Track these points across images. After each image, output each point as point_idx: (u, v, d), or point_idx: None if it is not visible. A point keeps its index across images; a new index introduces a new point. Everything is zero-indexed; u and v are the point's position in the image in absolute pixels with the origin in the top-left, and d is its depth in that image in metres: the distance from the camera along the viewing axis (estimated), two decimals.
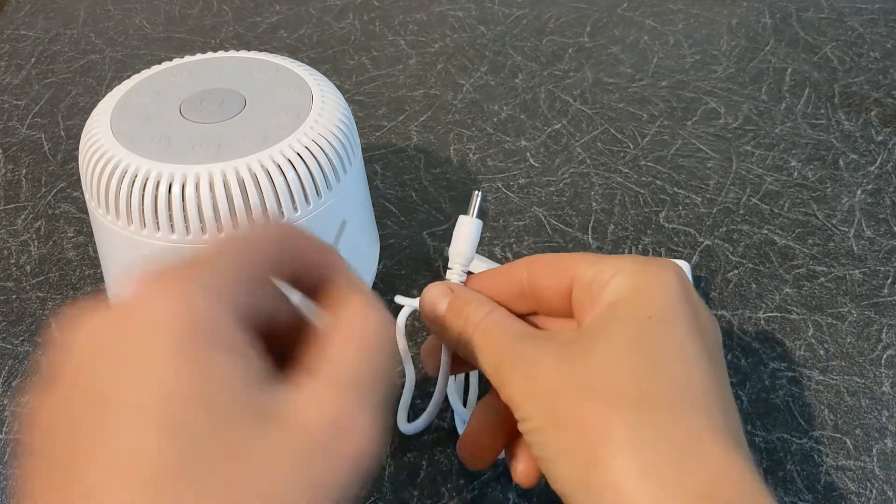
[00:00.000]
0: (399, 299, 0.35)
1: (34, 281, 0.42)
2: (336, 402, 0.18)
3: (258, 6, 0.67)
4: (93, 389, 0.18)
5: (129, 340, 0.18)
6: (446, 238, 0.44)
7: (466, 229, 0.30)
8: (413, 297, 0.40)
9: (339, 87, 0.56)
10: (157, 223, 0.28)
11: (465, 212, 0.31)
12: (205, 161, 0.28)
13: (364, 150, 0.51)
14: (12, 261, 0.43)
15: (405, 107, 0.55)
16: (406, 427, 0.31)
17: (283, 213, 0.29)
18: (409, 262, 0.43)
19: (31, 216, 0.46)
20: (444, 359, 0.29)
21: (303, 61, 0.60)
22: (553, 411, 0.22)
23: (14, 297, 0.41)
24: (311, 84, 0.33)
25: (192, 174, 0.28)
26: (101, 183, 0.29)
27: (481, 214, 0.31)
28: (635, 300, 0.23)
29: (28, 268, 0.43)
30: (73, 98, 0.56)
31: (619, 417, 0.21)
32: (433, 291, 0.28)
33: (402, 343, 0.34)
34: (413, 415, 0.34)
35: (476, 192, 0.31)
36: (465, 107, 0.54)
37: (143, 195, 0.28)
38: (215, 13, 0.66)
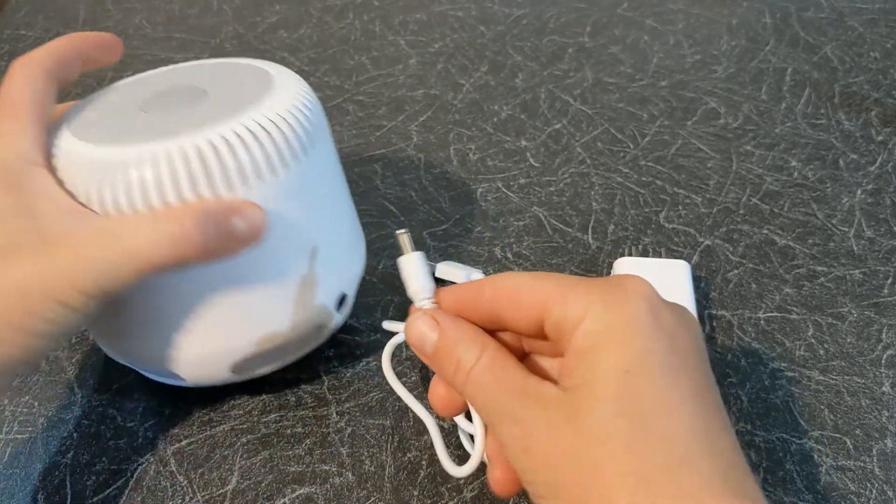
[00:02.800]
0: (388, 325, 0.33)
1: None
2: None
3: (258, 6, 0.67)
4: None
5: None
6: (446, 238, 0.44)
7: (413, 266, 0.29)
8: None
9: (338, 87, 0.57)
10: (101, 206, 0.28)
11: (401, 254, 0.30)
12: (144, 143, 0.28)
13: (364, 149, 0.51)
14: None
15: (405, 107, 0.54)
16: (458, 471, 0.30)
17: (222, 192, 0.28)
18: None
19: None
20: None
21: (303, 61, 0.60)
22: (552, 485, 0.23)
23: None
24: (276, 77, 0.33)
25: (129, 154, 0.28)
26: (96, 187, 0.28)
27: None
28: (610, 350, 0.23)
29: None
30: (73, 98, 0.56)
31: (616, 493, 0.21)
32: (420, 326, 0.27)
33: (394, 383, 0.31)
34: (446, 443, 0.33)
35: (399, 232, 0.30)
36: (465, 107, 0.54)
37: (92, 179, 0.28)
38: (215, 13, 0.66)
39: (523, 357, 0.28)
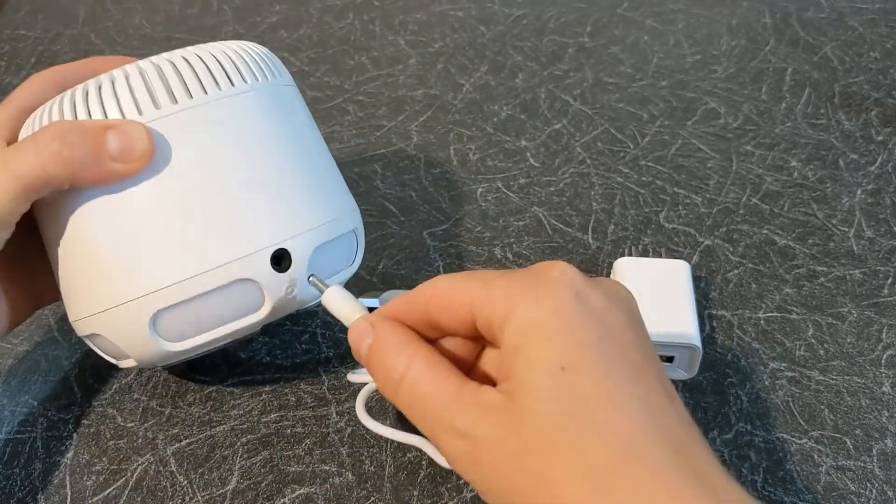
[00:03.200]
0: (353, 377, 0.31)
1: None
2: None
3: (258, 6, 0.67)
4: None
5: None
6: (446, 238, 0.44)
7: (337, 298, 0.29)
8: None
9: (338, 87, 0.57)
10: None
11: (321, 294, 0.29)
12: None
13: (364, 149, 0.51)
14: None
15: (405, 107, 0.55)
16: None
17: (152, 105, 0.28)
18: (409, 262, 0.43)
19: None
20: None
21: (303, 61, 0.60)
22: (507, 495, 0.22)
23: None
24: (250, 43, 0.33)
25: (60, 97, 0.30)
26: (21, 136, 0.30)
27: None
28: (542, 346, 0.22)
29: None
30: None
31: (567, 495, 0.21)
32: (356, 328, 0.27)
33: (375, 427, 0.30)
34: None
35: (309, 279, 0.30)
36: (465, 107, 0.54)
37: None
38: (215, 13, 0.66)
39: (472, 365, 0.27)
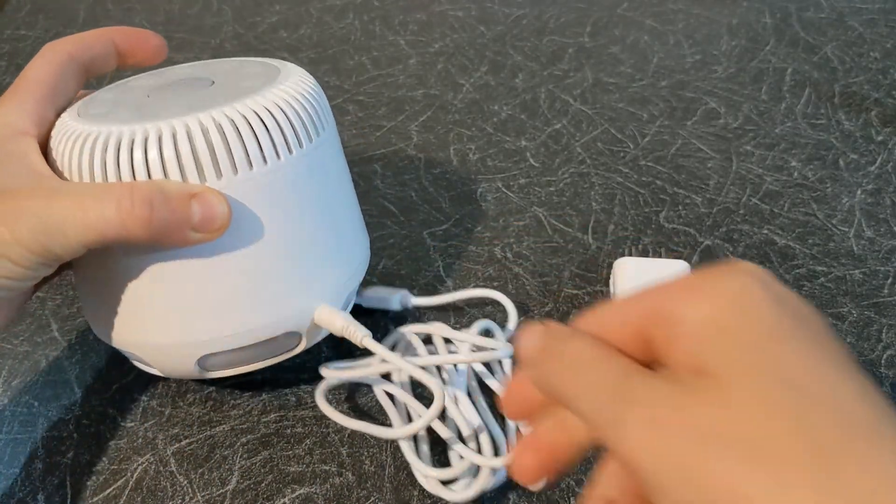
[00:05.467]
0: (325, 370, 0.34)
1: None
2: None
3: (258, 6, 0.67)
4: None
5: None
6: (446, 238, 0.44)
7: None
8: (414, 294, 0.40)
9: (338, 87, 0.57)
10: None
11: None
12: (129, 122, 0.28)
13: (364, 149, 0.51)
14: None
15: (405, 107, 0.55)
16: (398, 432, 0.31)
17: (230, 170, 0.28)
18: (409, 262, 0.43)
19: None
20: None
21: (303, 61, 0.60)
22: (686, 468, 0.19)
23: None
24: (278, 66, 0.33)
25: (111, 130, 0.28)
26: (72, 157, 0.29)
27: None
28: (736, 327, 0.20)
29: None
30: None
31: (792, 472, 0.18)
32: (527, 335, 0.23)
33: (339, 418, 0.33)
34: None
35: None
36: (465, 107, 0.54)
37: (105, 157, 0.28)
38: (215, 13, 0.66)
39: None
